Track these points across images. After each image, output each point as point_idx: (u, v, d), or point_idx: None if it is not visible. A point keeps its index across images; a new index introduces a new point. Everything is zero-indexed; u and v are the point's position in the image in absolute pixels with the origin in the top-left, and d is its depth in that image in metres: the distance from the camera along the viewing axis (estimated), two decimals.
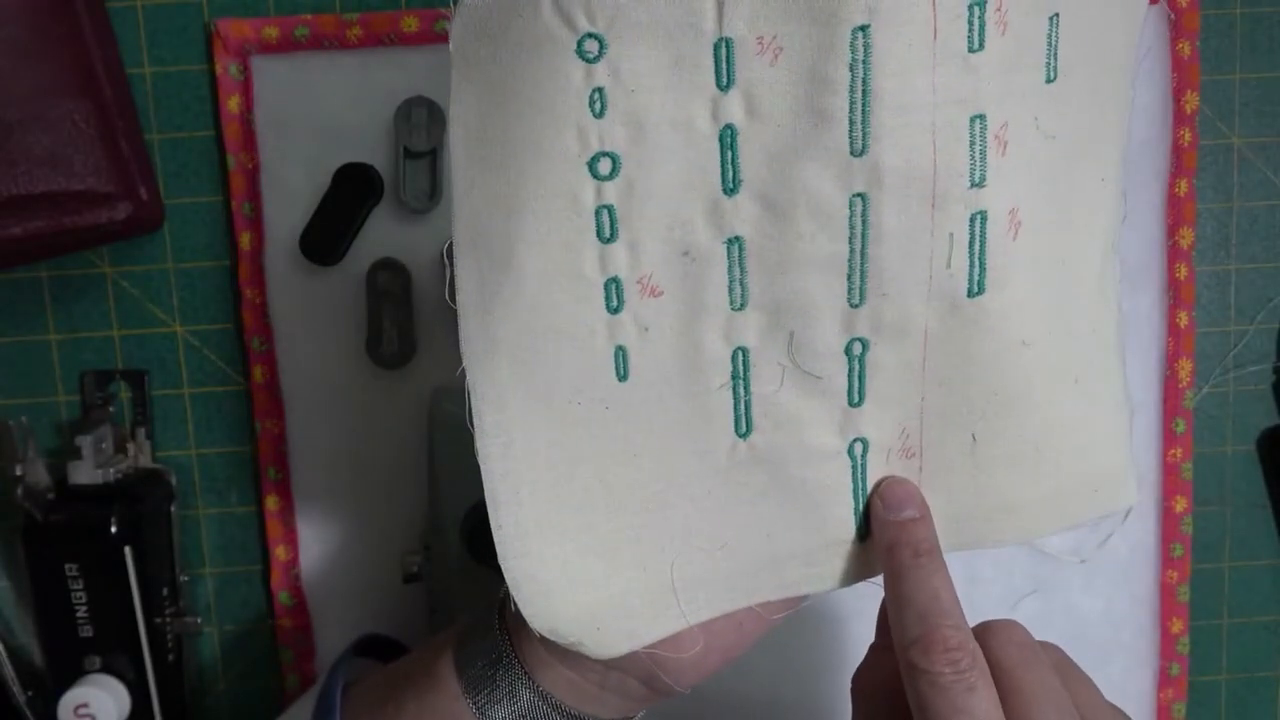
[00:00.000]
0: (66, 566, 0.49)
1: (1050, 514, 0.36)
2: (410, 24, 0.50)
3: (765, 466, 0.34)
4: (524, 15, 0.29)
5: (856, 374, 0.33)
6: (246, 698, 0.55)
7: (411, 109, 0.50)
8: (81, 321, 0.53)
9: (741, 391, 0.33)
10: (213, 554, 0.54)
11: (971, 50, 0.30)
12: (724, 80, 0.30)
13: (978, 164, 0.31)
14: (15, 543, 0.50)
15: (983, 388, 0.34)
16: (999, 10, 0.30)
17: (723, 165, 0.31)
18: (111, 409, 0.52)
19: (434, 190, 0.51)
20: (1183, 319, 0.53)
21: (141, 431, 0.52)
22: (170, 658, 0.51)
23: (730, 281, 0.32)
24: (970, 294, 0.32)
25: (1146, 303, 0.53)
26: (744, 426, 0.33)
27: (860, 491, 0.35)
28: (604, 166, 0.31)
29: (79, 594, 0.49)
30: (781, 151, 0.30)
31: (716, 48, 0.30)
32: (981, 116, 0.31)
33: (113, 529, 0.49)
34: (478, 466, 0.49)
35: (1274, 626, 0.56)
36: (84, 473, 0.50)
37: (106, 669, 0.50)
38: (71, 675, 0.49)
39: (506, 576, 0.33)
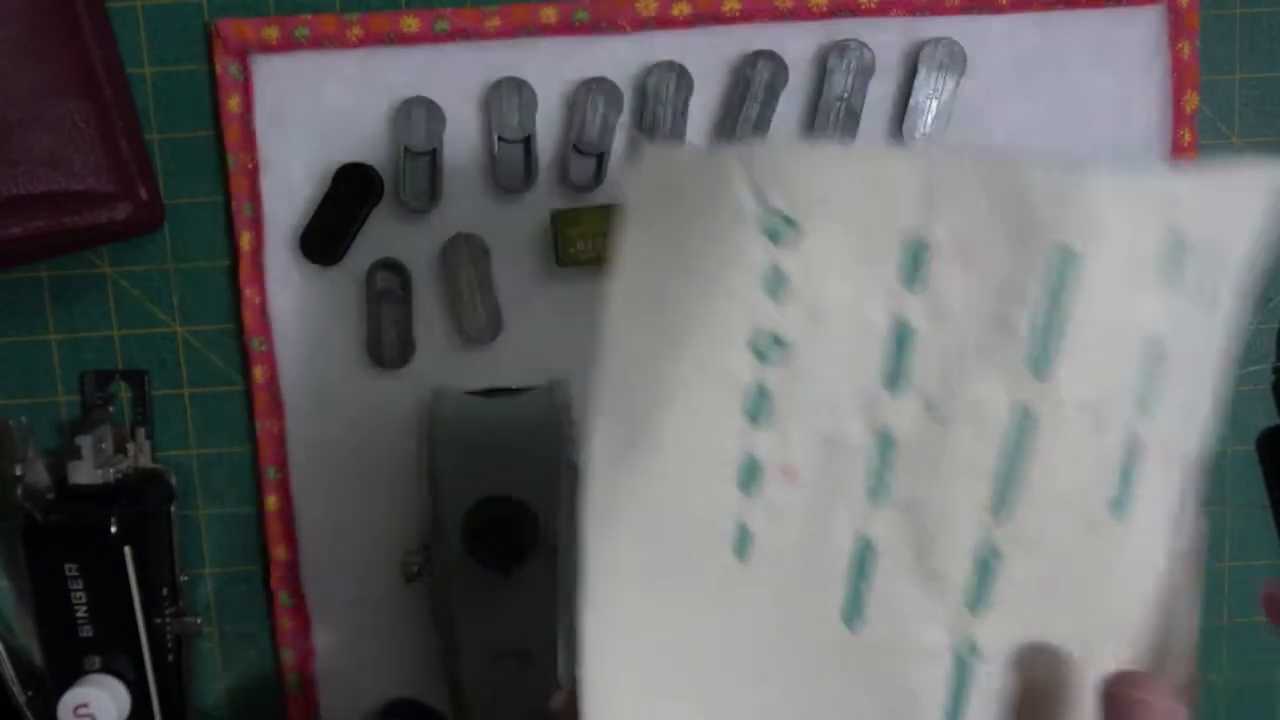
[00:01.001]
0: (66, 566, 0.49)
1: None
2: (410, 24, 0.50)
3: (867, 657, 0.33)
4: (713, 181, 0.29)
5: (983, 581, 0.32)
6: (246, 698, 0.55)
7: (411, 109, 0.50)
8: (81, 321, 0.53)
9: (858, 581, 0.32)
10: (213, 554, 0.54)
11: (1161, 283, 0.29)
12: (910, 279, 0.29)
13: (1145, 389, 0.30)
14: (15, 543, 0.50)
15: (1107, 608, 0.33)
16: (1189, 244, 0.29)
17: (891, 361, 0.30)
18: (111, 409, 0.52)
19: (434, 190, 0.51)
20: None
21: (141, 431, 0.52)
22: (170, 658, 0.51)
23: (871, 474, 0.31)
24: (1111, 514, 0.31)
25: None
26: (854, 615, 0.32)
27: (960, 698, 0.33)
28: (769, 349, 0.30)
29: (79, 594, 0.49)
30: (956, 357, 0.29)
31: (908, 245, 0.29)
32: (1160, 342, 0.30)
33: (113, 529, 0.49)
34: (477, 467, 0.49)
35: (1274, 627, 0.56)
36: (84, 473, 0.50)
37: (106, 669, 0.50)
38: (71, 675, 0.49)
39: None
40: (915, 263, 0.29)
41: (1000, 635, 0.32)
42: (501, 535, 0.47)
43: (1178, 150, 0.52)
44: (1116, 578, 0.32)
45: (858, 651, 0.32)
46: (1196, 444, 0.32)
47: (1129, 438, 0.30)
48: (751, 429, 0.30)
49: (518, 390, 0.51)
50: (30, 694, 0.52)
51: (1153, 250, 0.29)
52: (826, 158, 0.28)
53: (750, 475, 0.31)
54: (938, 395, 0.30)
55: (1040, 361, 0.29)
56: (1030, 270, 0.28)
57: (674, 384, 0.30)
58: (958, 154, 0.28)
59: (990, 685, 0.32)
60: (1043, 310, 0.29)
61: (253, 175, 0.51)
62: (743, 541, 0.32)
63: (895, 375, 0.30)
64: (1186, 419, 0.32)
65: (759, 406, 0.30)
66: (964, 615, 0.32)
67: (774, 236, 0.29)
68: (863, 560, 0.32)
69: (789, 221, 0.29)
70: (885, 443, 0.31)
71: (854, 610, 0.32)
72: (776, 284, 0.29)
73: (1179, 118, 0.52)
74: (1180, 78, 0.52)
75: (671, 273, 0.30)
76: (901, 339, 0.30)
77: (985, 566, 0.31)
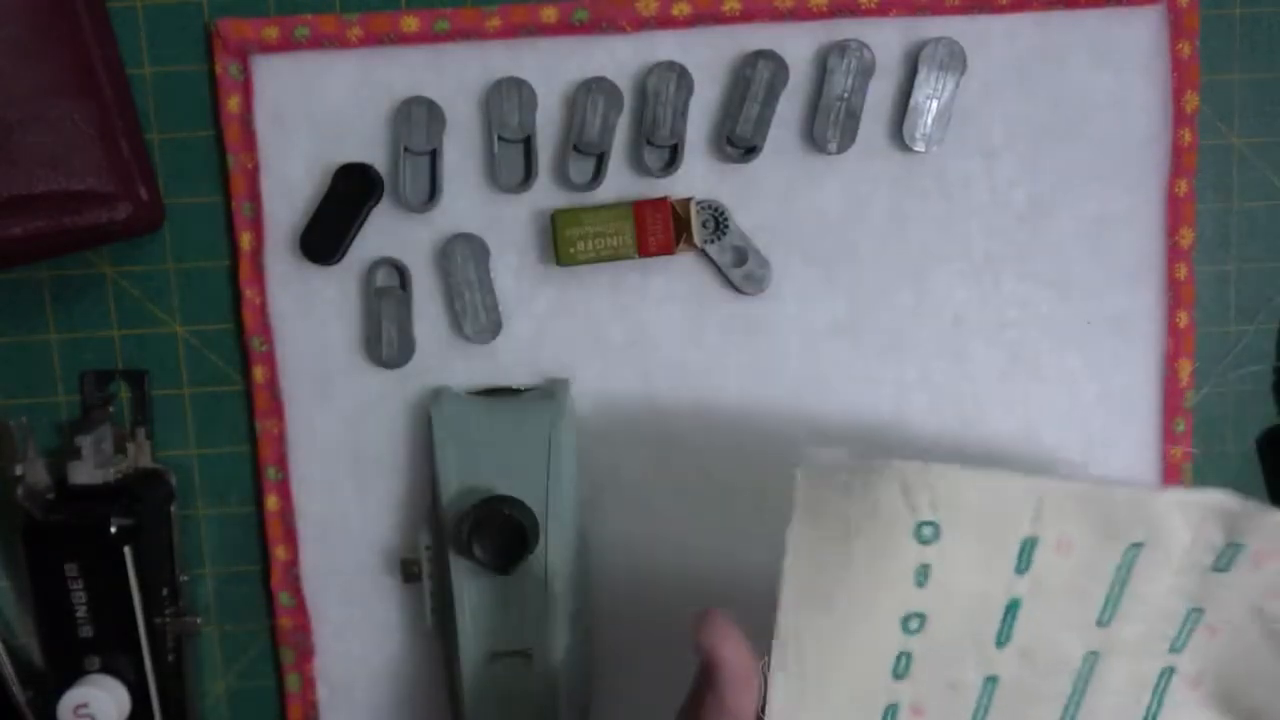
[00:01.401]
0: (66, 566, 0.49)
1: None
2: (410, 24, 0.50)
3: None
4: (874, 491, 0.37)
5: None
6: (246, 698, 0.55)
7: (411, 109, 0.50)
8: (81, 321, 0.53)
9: None
10: (213, 554, 0.54)
11: (1216, 570, 0.39)
12: (1021, 566, 0.38)
13: (1181, 638, 0.40)
14: (15, 543, 0.50)
15: None
16: (1258, 555, 0.38)
17: (1001, 626, 0.39)
18: (111, 409, 0.52)
19: (433, 190, 0.51)
20: (1182, 319, 0.53)
21: (141, 431, 0.52)
22: (170, 658, 0.51)
23: (978, 708, 0.40)
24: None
25: (1146, 303, 0.53)
26: None
27: None
28: (914, 624, 0.38)
29: (79, 594, 0.49)
30: (1048, 619, 0.39)
31: (1024, 543, 0.38)
32: (1200, 610, 0.39)
33: (112, 529, 0.49)
34: (477, 467, 0.49)
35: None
36: (84, 473, 0.50)
37: (106, 669, 0.50)
38: (71, 675, 0.49)
39: None
40: (1026, 556, 0.38)
41: None
42: (501, 535, 0.47)
43: (1178, 150, 0.52)
44: None
45: None
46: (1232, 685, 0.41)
47: (1163, 666, 0.40)
48: (895, 682, 0.39)
49: (518, 390, 0.51)
50: (30, 694, 0.52)
51: (1210, 549, 0.38)
52: (965, 479, 0.37)
53: (891, 716, 0.40)
54: (1032, 645, 0.39)
55: (1107, 616, 0.39)
56: (1107, 556, 0.38)
57: (843, 653, 0.38)
58: (1061, 479, 0.37)
59: None
60: (1112, 584, 0.39)
61: (252, 175, 0.51)
62: None
63: (1004, 636, 0.39)
64: (1227, 664, 0.40)
65: (904, 666, 0.39)
66: None
67: (922, 539, 0.37)
68: None
69: (934, 526, 0.37)
70: (990, 684, 0.40)
71: None
72: (924, 575, 0.38)
73: (1179, 118, 0.52)
74: (1180, 78, 0.52)
75: (839, 563, 0.37)
76: (1010, 610, 0.39)
77: None
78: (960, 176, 0.52)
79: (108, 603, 0.49)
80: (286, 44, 0.50)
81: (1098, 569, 0.39)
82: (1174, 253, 0.53)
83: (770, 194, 0.52)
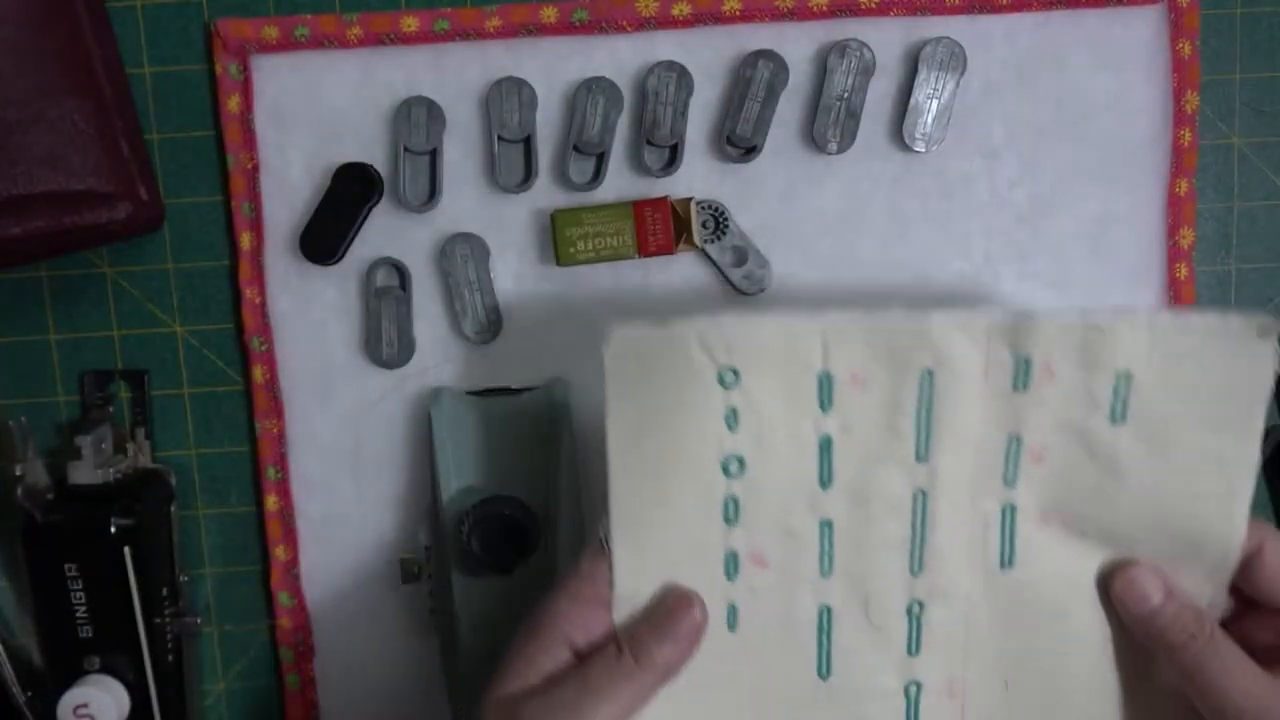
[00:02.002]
0: (66, 566, 0.49)
1: None
2: (410, 24, 0.50)
3: (839, 703, 0.42)
4: (674, 349, 0.38)
5: (915, 629, 0.41)
6: (246, 698, 0.55)
7: (411, 109, 0.50)
8: (81, 321, 0.53)
9: (825, 641, 0.41)
10: (213, 554, 0.54)
11: (1015, 390, 0.39)
12: (825, 403, 0.39)
13: (1010, 470, 0.40)
14: (15, 543, 0.50)
15: (1013, 644, 0.42)
16: (1047, 365, 0.38)
17: (820, 466, 0.40)
18: (111, 409, 0.52)
19: (433, 190, 0.51)
20: None
21: (141, 431, 0.52)
22: (170, 658, 0.51)
23: (821, 554, 0.40)
24: (1000, 567, 0.41)
25: (1147, 303, 0.53)
26: (825, 669, 0.42)
27: None
28: (734, 467, 0.39)
29: (78, 594, 0.49)
30: (865, 456, 0.40)
31: (820, 380, 0.39)
32: (1019, 438, 0.39)
33: (112, 529, 0.49)
34: (478, 467, 0.49)
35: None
36: (84, 473, 0.50)
37: (106, 669, 0.50)
38: (71, 675, 0.49)
39: None
40: (826, 393, 0.39)
41: (935, 671, 0.41)
42: (501, 535, 0.47)
43: (1178, 150, 0.52)
44: (1012, 618, 0.41)
45: (830, 697, 0.42)
46: (1165, 543, 0.40)
47: (1004, 505, 0.40)
48: (729, 529, 0.40)
49: (518, 390, 0.51)
50: (30, 694, 0.52)
51: (1003, 367, 0.39)
52: (754, 324, 0.38)
53: (732, 565, 0.40)
54: (857, 486, 0.40)
55: (924, 452, 0.39)
56: (906, 388, 0.39)
57: (669, 506, 0.39)
58: (844, 313, 0.38)
59: (938, 709, 0.42)
60: (918, 415, 0.39)
61: (252, 175, 0.51)
62: (732, 617, 0.41)
63: (825, 476, 0.40)
64: (1064, 491, 0.40)
65: (732, 511, 0.40)
66: (906, 660, 0.41)
67: (725, 384, 0.38)
68: (825, 624, 0.41)
69: (733, 371, 0.38)
70: (826, 528, 0.40)
71: (824, 665, 0.42)
72: (733, 418, 0.39)
73: (1179, 118, 0.52)
74: (1180, 77, 0.52)
75: (654, 421, 0.39)
76: (824, 448, 0.40)
77: (914, 618, 0.41)
78: (960, 176, 0.52)
79: (107, 603, 0.49)
80: (286, 44, 0.50)
81: (899, 401, 0.39)
82: (1174, 253, 0.53)
83: (770, 194, 0.52)
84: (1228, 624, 0.40)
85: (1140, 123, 0.52)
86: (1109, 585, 0.40)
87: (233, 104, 0.50)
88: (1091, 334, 0.38)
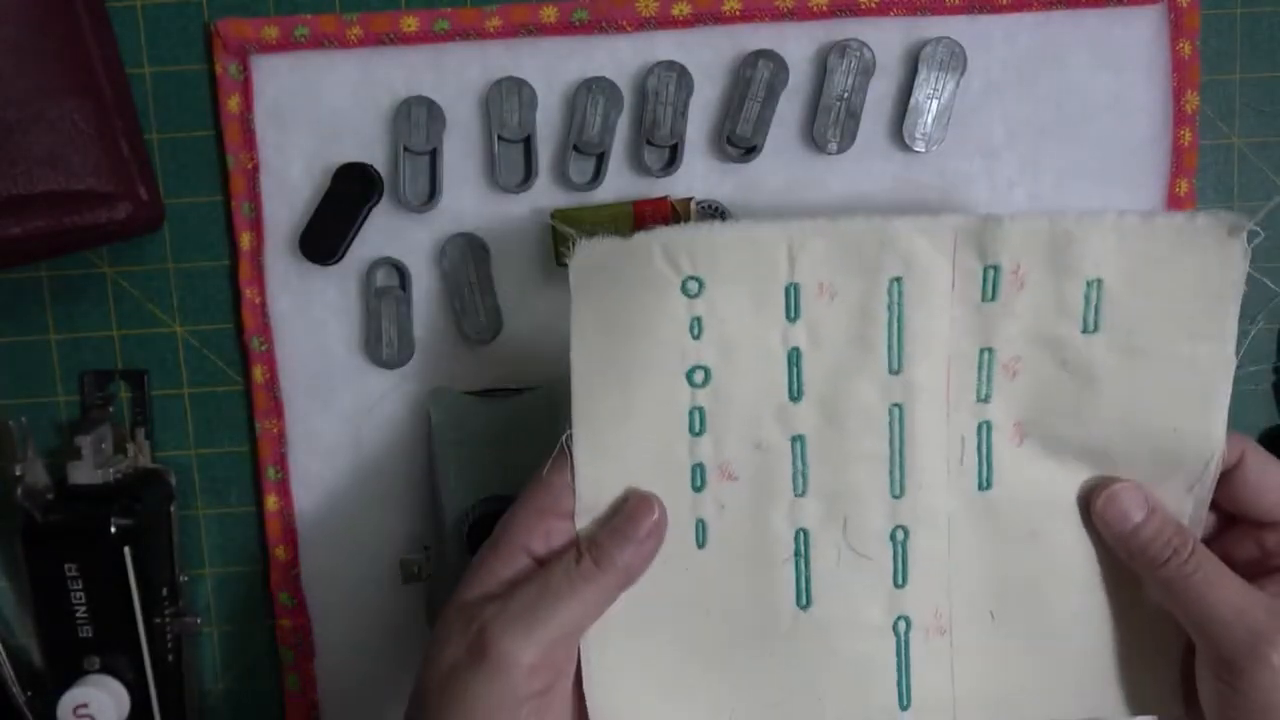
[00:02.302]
0: (66, 566, 0.49)
1: (1074, 702, 0.42)
2: (410, 24, 0.50)
3: (820, 636, 0.40)
4: (637, 259, 0.37)
5: (900, 558, 0.40)
6: (246, 698, 0.55)
7: (411, 109, 0.50)
8: (81, 321, 0.53)
9: (803, 567, 0.40)
10: (213, 554, 0.54)
11: (984, 300, 0.38)
12: (792, 314, 0.38)
13: (983, 385, 0.39)
14: (15, 543, 0.50)
15: (996, 572, 0.41)
16: (1015, 272, 0.38)
17: (789, 378, 0.39)
18: (111, 409, 0.52)
19: (433, 190, 0.51)
20: None
21: (141, 431, 0.52)
22: (170, 658, 0.51)
23: (794, 471, 0.39)
24: (979, 488, 0.40)
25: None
26: (804, 599, 0.40)
27: (904, 666, 0.40)
28: (698, 377, 0.38)
29: (78, 594, 0.49)
30: (836, 368, 0.39)
31: (787, 290, 0.38)
32: (990, 349, 0.39)
33: (112, 529, 0.49)
34: (477, 467, 0.49)
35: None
36: (84, 473, 0.50)
37: (106, 669, 0.50)
38: (71, 675, 0.49)
39: (589, 706, 0.39)
40: (793, 303, 0.38)
41: (923, 604, 0.40)
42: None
43: (1178, 150, 0.52)
44: (994, 543, 0.40)
45: (812, 629, 0.40)
46: (1141, 448, 0.39)
47: (979, 421, 0.39)
48: (695, 440, 0.39)
49: (517, 390, 0.51)
50: (30, 694, 0.52)
51: (972, 275, 0.38)
52: (717, 232, 0.37)
53: (698, 476, 0.39)
54: (829, 399, 0.39)
55: (897, 364, 0.38)
56: (874, 297, 0.38)
57: (633, 415, 0.38)
58: (809, 220, 0.38)
59: (928, 647, 0.40)
60: (889, 325, 0.38)
61: (252, 175, 0.51)
62: (701, 532, 0.40)
63: (795, 388, 0.39)
64: (1075, 418, 0.39)
65: (698, 422, 0.39)
66: (893, 593, 0.40)
67: (689, 293, 0.38)
68: (803, 549, 0.39)
69: (697, 280, 0.38)
70: (798, 443, 0.39)
71: (803, 593, 0.40)
72: (697, 328, 0.38)
73: (1179, 118, 0.52)
74: (1181, 77, 0.52)
75: (618, 331, 0.38)
76: (793, 359, 0.39)
77: (899, 545, 0.40)
78: (960, 176, 0.52)
79: (107, 603, 0.49)
80: (286, 44, 0.50)
81: (869, 311, 0.38)
82: None
83: (770, 194, 0.52)
84: (1208, 540, 0.40)
85: (1140, 123, 0.52)
86: (1090, 504, 0.40)
87: (233, 104, 0.50)
88: (1060, 239, 0.37)
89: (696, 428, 0.39)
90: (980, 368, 0.39)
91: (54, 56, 0.47)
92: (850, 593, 0.40)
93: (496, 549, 0.39)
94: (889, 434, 0.39)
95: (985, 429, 0.39)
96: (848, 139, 0.51)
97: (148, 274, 0.52)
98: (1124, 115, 0.52)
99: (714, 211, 0.51)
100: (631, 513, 0.38)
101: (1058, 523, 0.40)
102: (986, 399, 0.39)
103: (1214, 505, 0.40)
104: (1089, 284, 0.38)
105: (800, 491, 0.39)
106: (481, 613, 0.37)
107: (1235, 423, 0.54)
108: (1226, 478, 0.39)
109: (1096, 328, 0.38)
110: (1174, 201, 0.52)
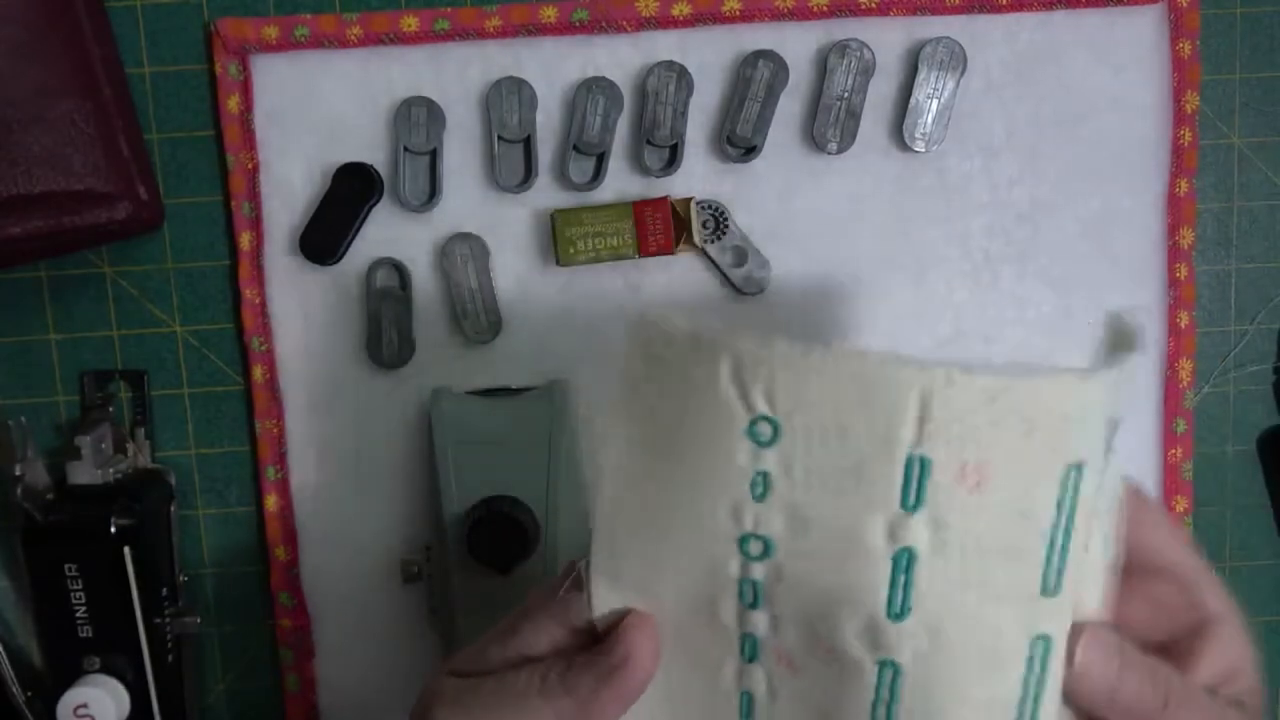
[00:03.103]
0: (66, 567, 0.49)
1: None
2: (410, 24, 0.50)
3: None
4: (700, 372, 0.27)
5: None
6: (246, 698, 0.55)
7: (411, 109, 0.50)
8: (81, 321, 0.53)
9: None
10: (212, 554, 0.54)
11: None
12: (911, 501, 0.26)
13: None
14: (15, 543, 0.50)
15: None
16: None
17: (892, 587, 0.27)
18: (111, 409, 0.52)
19: (433, 190, 0.51)
20: (1183, 319, 0.53)
21: (141, 431, 0.52)
22: (170, 658, 0.51)
23: (875, 700, 0.28)
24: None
25: (1147, 303, 0.53)
26: None
27: None
28: (755, 548, 0.29)
29: (78, 594, 0.49)
30: (963, 583, 0.27)
31: (909, 464, 0.26)
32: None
33: (112, 529, 0.48)
34: (477, 467, 0.49)
35: (1275, 626, 0.56)
36: (83, 473, 0.50)
37: (106, 669, 0.50)
38: (71, 675, 0.49)
39: None
40: (914, 482, 0.26)
41: None
42: (502, 535, 0.47)
43: (1178, 150, 0.52)
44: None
45: None
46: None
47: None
48: (748, 612, 0.30)
49: (518, 390, 0.51)
50: (29, 694, 0.52)
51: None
52: (814, 358, 0.26)
53: (750, 647, 0.30)
54: (945, 623, 0.27)
55: (1054, 582, 0.27)
56: (1043, 488, 0.26)
57: (665, 568, 0.30)
58: (958, 368, 0.25)
59: None
60: (1054, 529, 0.27)
61: (252, 175, 0.51)
62: (747, 708, 0.31)
63: (897, 602, 0.27)
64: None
65: (751, 594, 0.29)
66: None
67: (758, 439, 0.27)
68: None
69: (772, 424, 0.27)
70: (889, 670, 0.28)
71: None
72: (762, 486, 0.28)
73: (1179, 118, 0.52)
74: (1180, 77, 0.52)
75: (663, 454, 0.29)
76: (901, 564, 0.27)
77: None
78: (960, 176, 0.52)
79: (107, 603, 0.49)
80: (286, 44, 0.50)
81: (1028, 510, 0.27)
82: (1174, 252, 0.53)
83: (770, 194, 0.52)
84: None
85: (1140, 123, 0.52)
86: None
87: (232, 104, 0.50)
88: None
89: (749, 599, 0.30)
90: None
91: (54, 56, 0.47)
92: None
93: (499, 632, 0.35)
94: (1025, 676, 0.28)
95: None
96: (848, 139, 0.51)
97: (147, 274, 0.52)
98: (1124, 115, 0.52)
99: (714, 211, 0.51)
100: (613, 644, 0.32)
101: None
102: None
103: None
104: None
105: (880, 717, 0.29)
106: (441, 686, 0.35)
107: (1236, 423, 0.55)
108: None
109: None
110: (1174, 201, 0.52)
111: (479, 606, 0.49)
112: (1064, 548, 0.27)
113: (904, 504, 0.26)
